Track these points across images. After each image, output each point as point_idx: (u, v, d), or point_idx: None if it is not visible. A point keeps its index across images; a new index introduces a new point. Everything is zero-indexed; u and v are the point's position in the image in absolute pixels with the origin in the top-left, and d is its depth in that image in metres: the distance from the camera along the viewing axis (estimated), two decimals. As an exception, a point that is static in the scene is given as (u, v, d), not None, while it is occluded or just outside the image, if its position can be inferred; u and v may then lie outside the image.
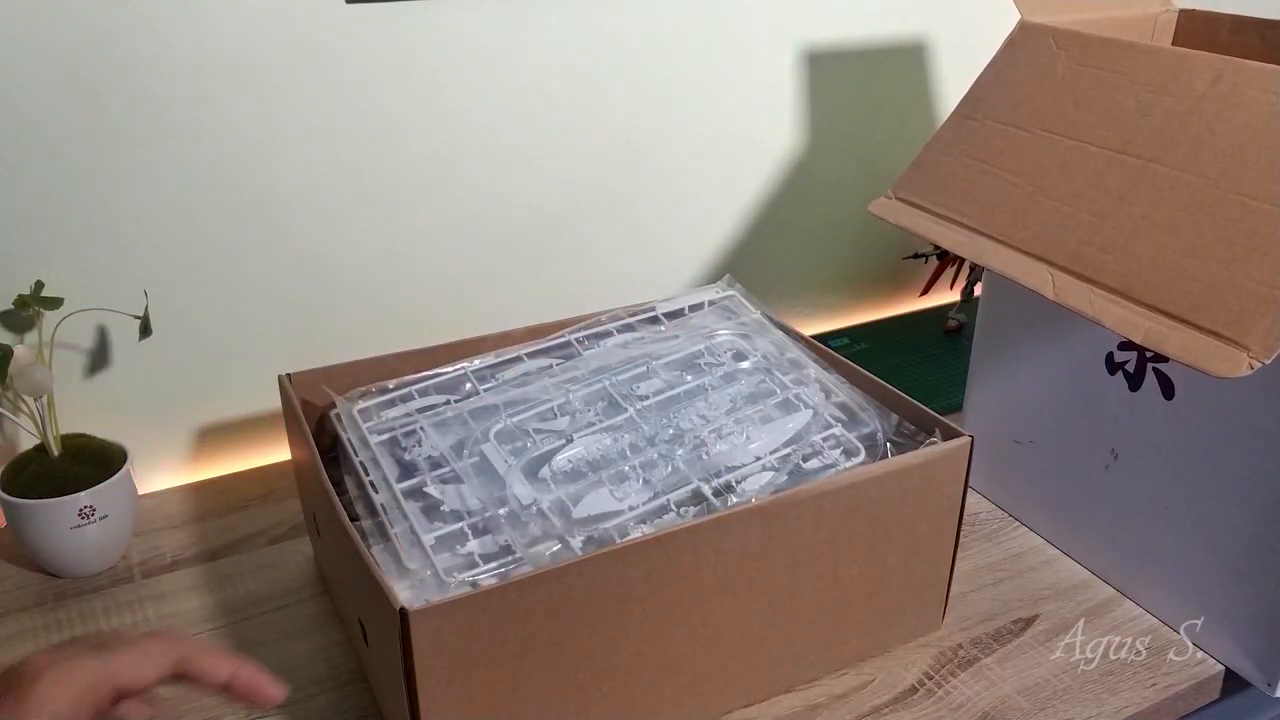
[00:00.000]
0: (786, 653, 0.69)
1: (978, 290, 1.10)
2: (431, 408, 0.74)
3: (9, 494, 0.77)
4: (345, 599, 0.70)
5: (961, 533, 0.75)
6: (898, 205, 0.79)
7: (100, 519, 0.78)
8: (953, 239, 0.75)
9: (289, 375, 0.75)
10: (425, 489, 0.67)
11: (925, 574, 0.73)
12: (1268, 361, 0.56)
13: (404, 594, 0.59)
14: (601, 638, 0.60)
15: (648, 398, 0.74)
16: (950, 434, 0.70)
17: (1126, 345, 0.74)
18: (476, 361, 0.79)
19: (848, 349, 1.18)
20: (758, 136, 1.14)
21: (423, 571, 0.60)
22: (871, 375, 0.77)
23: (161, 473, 0.95)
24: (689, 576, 0.61)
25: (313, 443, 0.67)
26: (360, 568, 0.57)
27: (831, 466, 0.71)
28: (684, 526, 0.60)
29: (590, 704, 0.62)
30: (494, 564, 0.62)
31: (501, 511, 0.64)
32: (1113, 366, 0.76)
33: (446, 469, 0.68)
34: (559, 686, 0.60)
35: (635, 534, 0.64)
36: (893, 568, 0.71)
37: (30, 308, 0.80)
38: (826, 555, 0.67)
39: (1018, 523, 0.88)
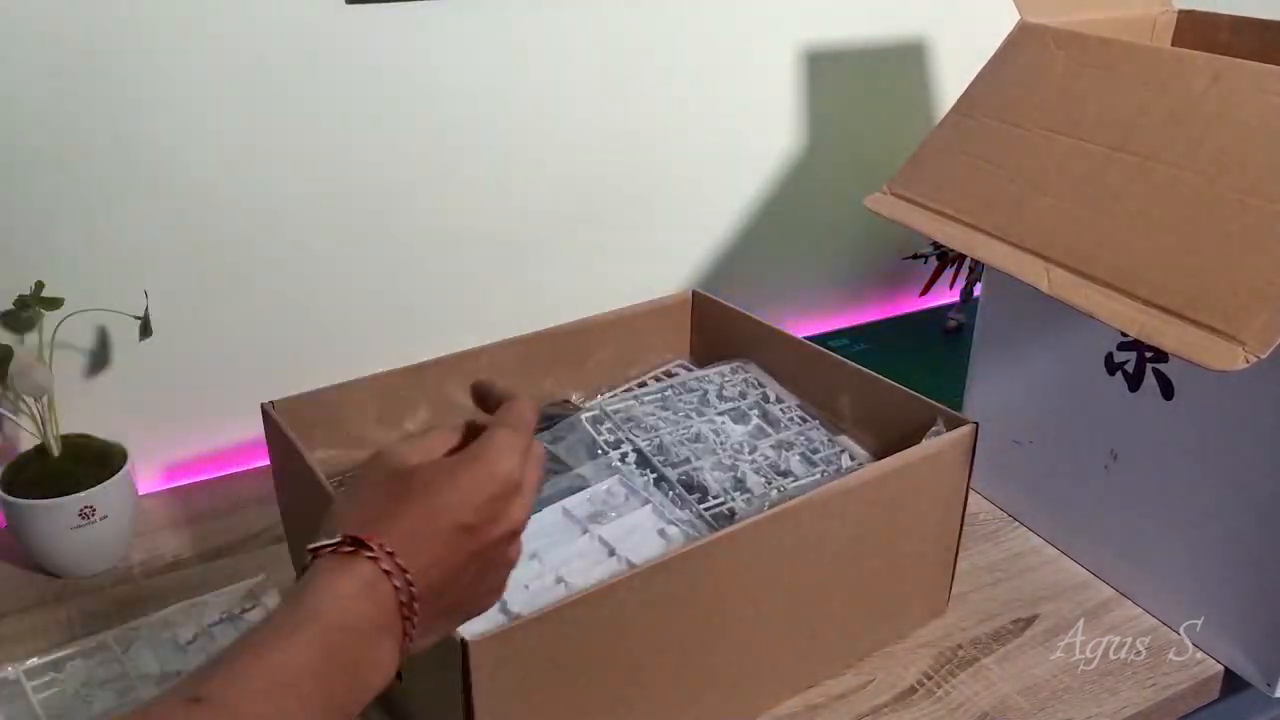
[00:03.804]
0: (813, 648, 0.70)
1: (977, 291, 1.10)
2: None
3: (10, 494, 0.77)
4: None
5: (963, 526, 0.75)
6: (893, 200, 0.80)
7: (100, 519, 0.78)
8: (948, 234, 0.75)
9: (272, 403, 0.72)
10: None
11: (934, 559, 0.75)
12: (1263, 356, 0.56)
13: None
14: (648, 650, 0.60)
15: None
16: (954, 422, 0.71)
17: (1126, 345, 0.74)
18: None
19: (847, 349, 1.18)
20: (758, 136, 1.14)
21: None
22: (871, 371, 0.78)
23: (162, 473, 0.95)
24: (729, 582, 0.62)
25: (322, 475, 0.65)
26: None
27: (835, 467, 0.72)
28: (724, 534, 0.60)
29: (637, 716, 0.62)
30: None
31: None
32: (1112, 367, 0.76)
33: None
34: (608, 702, 0.60)
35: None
36: (906, 555, 0.72)
37: (30, 308, 0.80)
38: (850, 550, 0.68)
39: (1017, 523, 0.88)
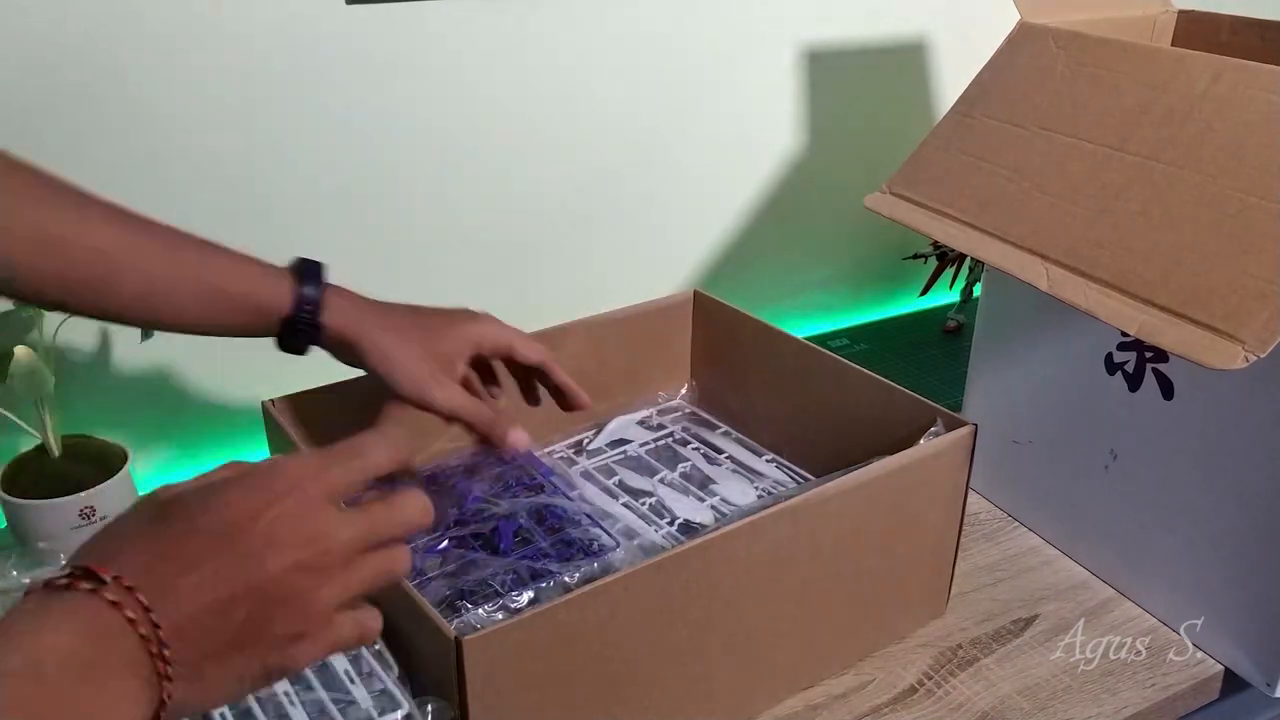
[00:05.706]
0: (810, 649, 0.70)
1: (977, 291, 1.10)
2: None
3: (9, 494, 0.77)
4: None
5: (962, 528, 0.75)
6: (893, 200, 0.80)
7: (100, 520, 0.78)
8: (947, 233, 0.75)
9: (273, 402, 0.73)
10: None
11: (933, 561, 0.75)
12: (1263, 355, 0.56)
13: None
14: (644, 650, 0.60)
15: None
16: (953, 423, 0.71)
17: (1126, 345, 0.74)
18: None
19: (847, 349, 1.18)
20: (758, 136, 1.14)
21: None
22: (871, 372, 0.78)
23: (162, 473, 0.95)
24: (724, 582, 0.62)
25: None
26: (402, 599, 0.56)
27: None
28: (719, 533, 0.60)
29: (634, 716, 0.62)
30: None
31: None
32: (1112, 367, 0.76)
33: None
34: (604, 703, 0.60)
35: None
36: (904, 557, 0.72)
37: (31, 308, 0.80)
38: (847, 550, 0.68)
39: (1017, 523, 0.88)
